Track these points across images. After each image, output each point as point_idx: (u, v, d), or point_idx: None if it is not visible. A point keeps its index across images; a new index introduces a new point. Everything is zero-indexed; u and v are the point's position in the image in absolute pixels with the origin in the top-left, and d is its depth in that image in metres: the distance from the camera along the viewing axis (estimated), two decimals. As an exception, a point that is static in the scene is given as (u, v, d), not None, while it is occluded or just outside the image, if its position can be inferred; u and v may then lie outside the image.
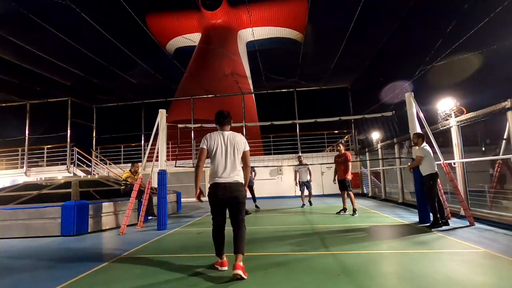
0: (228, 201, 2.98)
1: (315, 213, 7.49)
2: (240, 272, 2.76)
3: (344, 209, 7.03)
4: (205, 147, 3.08)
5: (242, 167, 3.17)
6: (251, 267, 3.05)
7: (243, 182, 3.08)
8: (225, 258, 3.10)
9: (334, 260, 3.30)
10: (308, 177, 8.74)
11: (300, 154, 12.62)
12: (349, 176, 6.87)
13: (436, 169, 5.16)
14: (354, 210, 6.76)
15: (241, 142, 3.13)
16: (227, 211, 3.06)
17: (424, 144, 5.35)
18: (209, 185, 3.08)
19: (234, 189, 2.98)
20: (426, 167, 5.18)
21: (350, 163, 6.96)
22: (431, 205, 5.07)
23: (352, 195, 6.88)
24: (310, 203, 8.94)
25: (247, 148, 3.18)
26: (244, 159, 3.16)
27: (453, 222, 5.45)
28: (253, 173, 9.16)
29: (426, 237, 4.37)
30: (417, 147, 5.39)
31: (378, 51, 12.04)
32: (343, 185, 6.95)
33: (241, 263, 2.83)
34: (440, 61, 10.43)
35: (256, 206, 8.73)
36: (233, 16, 20.41)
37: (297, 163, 9.40)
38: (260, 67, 15.59)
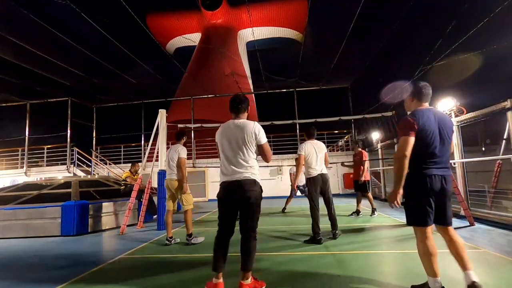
0: (239, 203, 2.49)
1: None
2: None
3: (358, 212, 6.49)
4: (217, 141, 2.64)
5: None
6: (251, 267, 3.05)
7: (256, 179, 2.54)
8: (221, 279, 2.45)
9: (334, 260, 3.30)
10: None
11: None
12: (363, 178, 6.40)
13: None
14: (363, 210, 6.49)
15: (252, 132, 2.51)
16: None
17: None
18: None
19: (246, 188, 2.46)
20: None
21: (367, 163, 6.51)
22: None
23: (368, 196, 6.49)
24: None
25: (263, 141, 2.58)
26: (261, 154, 2.62)
27: (453, 222, 5.44)
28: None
29: (426, 237, 4.35)
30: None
31: (378, 51, 12.05)
32: (356, 186, 6.62)
33: (248, 281, 2.39)
34: (440, 61, 10.43)
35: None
36: (233, 16, 20.42)
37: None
38: (260, 67, 15.65)
